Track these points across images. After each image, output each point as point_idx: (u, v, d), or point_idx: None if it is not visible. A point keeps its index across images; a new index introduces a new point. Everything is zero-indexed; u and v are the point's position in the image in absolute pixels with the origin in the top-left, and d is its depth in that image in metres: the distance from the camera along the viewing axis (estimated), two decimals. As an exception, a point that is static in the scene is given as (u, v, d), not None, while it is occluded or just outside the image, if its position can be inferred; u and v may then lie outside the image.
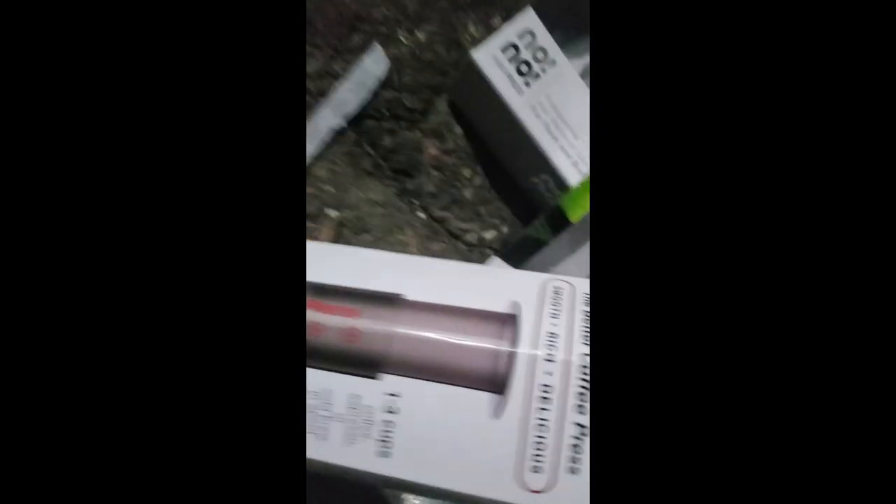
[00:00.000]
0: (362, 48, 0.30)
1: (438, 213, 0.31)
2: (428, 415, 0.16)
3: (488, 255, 0.29)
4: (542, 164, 0.27)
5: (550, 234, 0.23)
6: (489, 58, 0.26)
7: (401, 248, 0.31)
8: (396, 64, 0.30)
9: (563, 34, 0.28)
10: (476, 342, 0.16)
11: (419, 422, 0.16)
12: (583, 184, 0.23)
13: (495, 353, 0.16)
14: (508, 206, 0.32)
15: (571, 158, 0.27)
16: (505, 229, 0.32)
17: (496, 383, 0.15)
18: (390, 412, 0.16)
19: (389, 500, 0.26)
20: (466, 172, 0.32)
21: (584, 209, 0.23)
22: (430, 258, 0.20)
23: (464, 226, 0.32)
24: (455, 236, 0.32)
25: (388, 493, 0.26)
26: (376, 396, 0.16)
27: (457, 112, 0.31)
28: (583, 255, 0.23)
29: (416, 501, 0.26)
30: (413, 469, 0.16)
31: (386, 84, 0.30)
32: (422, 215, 0.31)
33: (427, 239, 0.31)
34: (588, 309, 0.17)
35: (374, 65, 0.30)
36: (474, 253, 0.32)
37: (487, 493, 0.15)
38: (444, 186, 0.31)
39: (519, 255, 0.23)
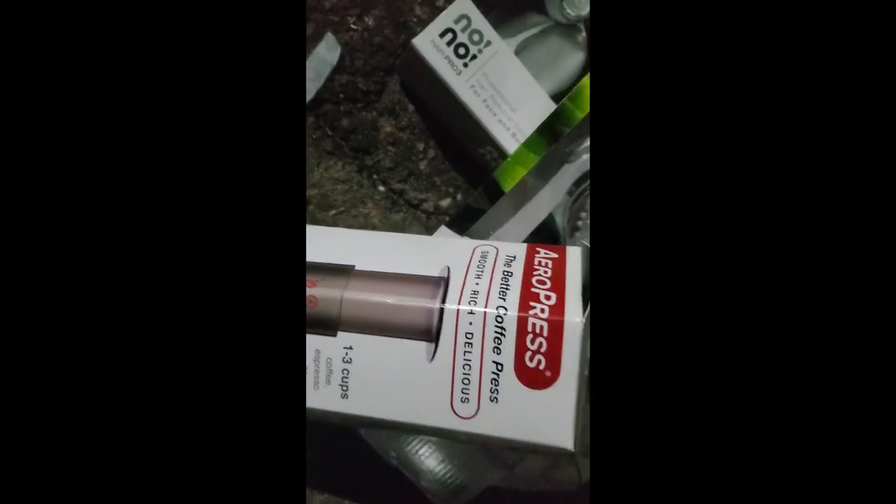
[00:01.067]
0: (315, 37, 0.32)
1: (397, 186, 0.34)
2: (377, 362, 0.19)
3: (445, 222, 0.32)
4: (484, 136, 0.30)
5: (488, 203, 0.26)
6: (428, 43, 0.29)
7: (364, 219, 0.34)
8: (348, 49, 0.33)
9: (498, 16, 0.30)
10: (413, 302, 0.19)
11: (370, 368, 0.19)
12: (513, 156, 0.26)
13: (429, 310, 0.19)
14: (461, 175, 0.35)
15: (510, 130, 0.30)
16: (459, 197, 0.35)
17: (429, 334, 0.19)
18: (346, 362, 0.19)
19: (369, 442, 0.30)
20: (420, 147, 0.35)
21: (515, 179, 0.26)
22: (378, 233, 0.23)
23: (421, 196, 0.35)
24: (413, 206, 0.35)
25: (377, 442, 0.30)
26: (335, 350, 0.20)
27: (408, 91, 0.34)
28: (516, 221, 0.26)
29: (424, 449, 0.29)
30: (367, 407, 0.19)
31: (340, 69, 0.33)
32: (382, 188, 0.34)
33: (388, 210, 0.34)
34: (507, 268, 0.20)
35: (327, 52, 0.32)
36: (432, 220, 0.35)
37: (427, 421, 0.19)
38: (401, 161, 0.34)
39: (462, 223, 0.26)
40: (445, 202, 0.35)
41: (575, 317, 0.18)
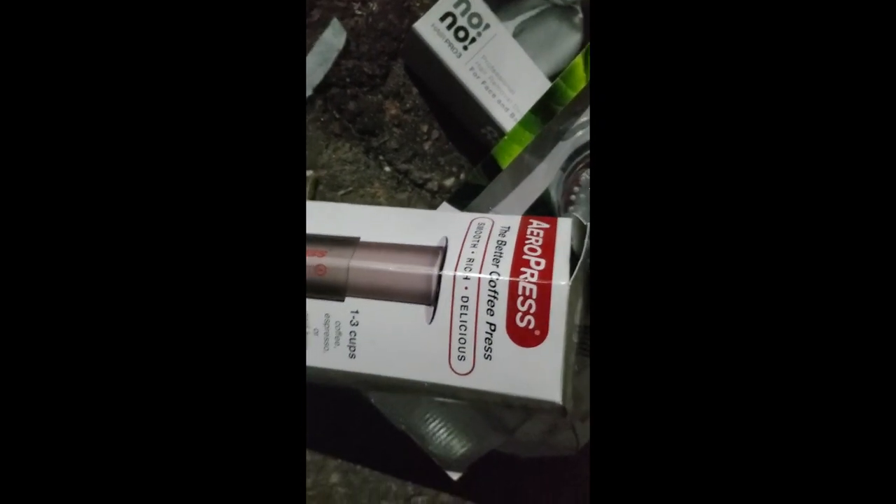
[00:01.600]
0: (321, 23, 0.34)
1: (402, 166, 0.36)
2: (381, 325, 0.21)
3: (446, 198, 0.34)
4: (484, 117, 0.32)
5: (486, 180, 0.27)
6: (429, 27, 0.30)
7: (371, 199, 0.35)
8: (353, 35, 0.34)
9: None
10: (413, 269, 0.21)
11: (375, 330, 0.21)
12: (509, 134, 0.27)
13: (427, 277, 0.21)
14: (464, 154, 0.37)
15: (509, 111, 0.31)
16: (462, 176, 0.36)
17: (429, 298, 0.21)
18: (353, 325, 0.21)
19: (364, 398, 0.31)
20: (424, 128, 0.36)
21: (512, 156, 0.27)
22: (382, 208, 0.25)
23: (426, 175, 0.36)
24: (419, 185, 0.36)
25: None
26: (343, 314, 0.21)
27: (412, 74, 0.35)
28: (514, 196, 0.28)
29: (429, 415, 0.31)
30: (373, 365, 0.21)
31: (346, 54, 0.34)
32: (388, 169, 0.36)
33: (393, 189, 0.36)
34: (502, 238, 0.22)
35: (333, 38, 0.34)
36: (436, 199, 0.36)
37: (428, 377, 0.21)
38: (406, 142, 0.36)
39: (462, 199, 0.28)
40: (449, 181, 0.36)
41: (561, 280, 0.20)
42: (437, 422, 0.30)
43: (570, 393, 0.23)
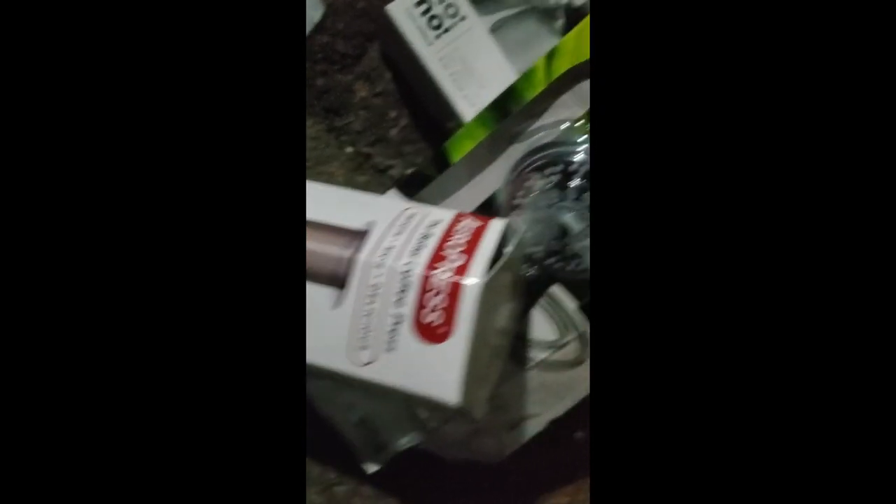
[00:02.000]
0: (299, -6, 0.33)
1: (364, 150, 0.35)
2: (288, 303, 0.20)
3: (394, 183, 0.33)
4: (449, 110, 0.31)
5: (436, 172, 0.27)
6: (402, 11, 0.29)
7: (328, 178, 0.35)
8: (331, 11, 0.33)
9: (476, -9, 0.30)
10: (326, 250, 0.20)
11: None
12: (463, 129, 0.27)
13: (339, 259, 0.20)
14: (431, 145, 0.36)
15: (476, 107, 0.30)
16: (426, 168, 0.36)
17: (339, 281, 0.20)
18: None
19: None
20: (393, 114, 0.35)
21: (463, 151, 0.26)
22: (323, 185, 0.24)
23: (388, 162, 0.35)
24: (380, 171, 0.35)
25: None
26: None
27: (386, 59, 0.35)
28: (464, 193, 0.27)
29: (348, 402, 0.30)
30: (275, 343, 0.20)
31: (321, 29, 0.33)
32: (349, 150, 0.35)
33: (353, 172, 0.35)
34: (428, 230, 0.21)
35: (310, 9, 0.33)
36: (396, 187, 0.36)
37: (326, 363, 0.20)
38: (371, 125, 0.35)
39: (410, 187, 0.27)
40: (411, 171, 0.36)
41: (474, 279, 0.19)
42: (359, 411, 0.30)
43: (482, 397, 0.23)
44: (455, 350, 0.19)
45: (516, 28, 0.31)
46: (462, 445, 0.31)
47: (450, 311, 0.19)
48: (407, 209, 0.22)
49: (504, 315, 0.20)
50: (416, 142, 0.36)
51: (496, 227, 0.22)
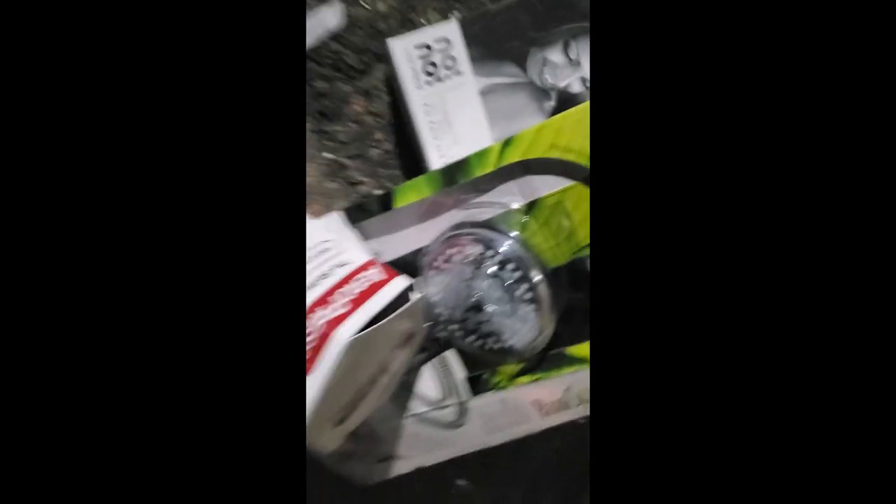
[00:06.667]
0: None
1: (343, 160, 0.36)
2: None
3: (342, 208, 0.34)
4: (420, 155, 0.32)
5: (378, 210, 0.28)
6: (402, 48, 0.31)
7: (298, 176, 0.36)
8: (351, 23, 0.35)
9: (480, 51, 0.32)
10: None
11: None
12: (413, 181, 0.28)
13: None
14: (406, 176, 0.37)
15: (443, 159, 0.32)
16: (394, 193, 0.37)
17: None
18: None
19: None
20: (379, 135, 0.37)
21: (405, 201, 0.28)
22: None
23: (361, 178, 0.37)
24: (351, 183, 0.37)
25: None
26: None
27: (389, 84, 0.36)
28: (397, 239, 0.28)
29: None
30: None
31: (337, 37, 0.35)
32: (328, 155, 0.36)
33: (325, 176, 0.36)
34: (330, 270, 0.22)
35: (330, 17, 0.34)
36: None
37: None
38: (356, 140, 0.36)
39: (354, 216, 0.28)
40: (378, 193, 0.37)
41: (345, 333, 0.20)
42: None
43: (336, 433, 0.24)
44: (310, 388, 0.20)
45: (507, 97, 0.32)
46: (336, 464, 0.32)
47: (315, 351, 0.20)
48: (326, 241, 0.24)
49: (387, 360, 0.22)
50: (393, 167, 0.37)
51: (397, 285, 0.23)
